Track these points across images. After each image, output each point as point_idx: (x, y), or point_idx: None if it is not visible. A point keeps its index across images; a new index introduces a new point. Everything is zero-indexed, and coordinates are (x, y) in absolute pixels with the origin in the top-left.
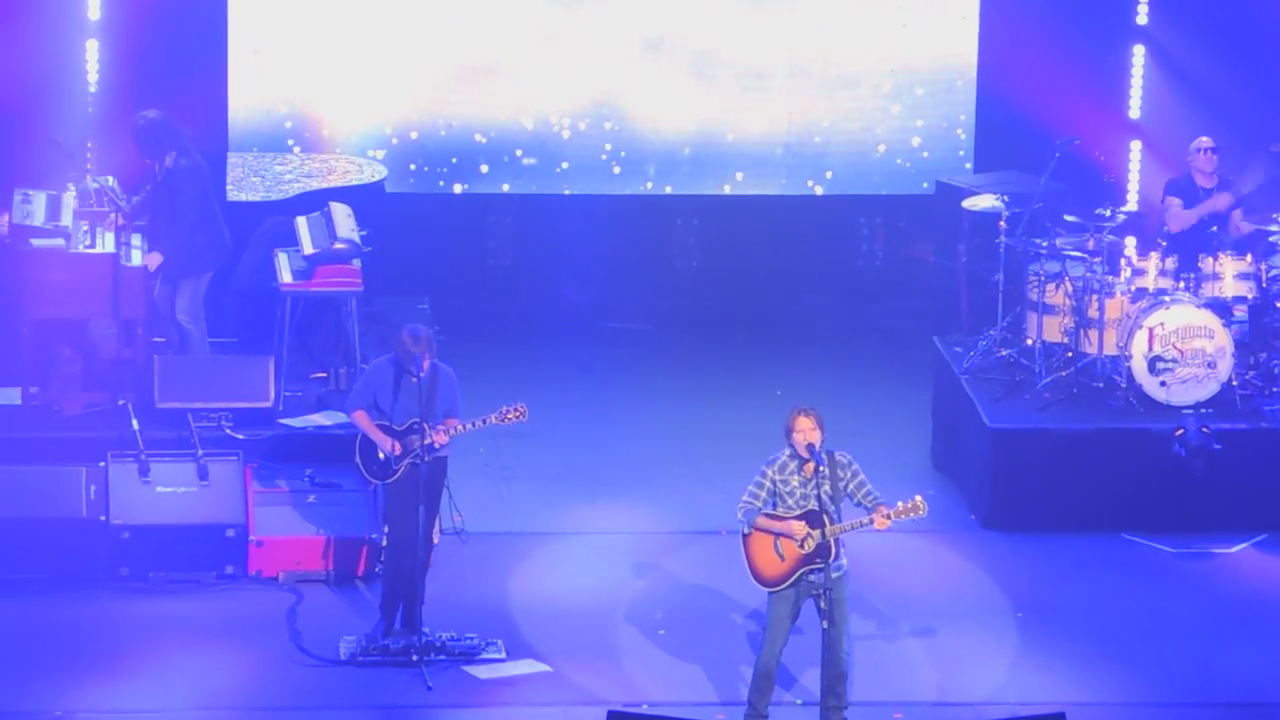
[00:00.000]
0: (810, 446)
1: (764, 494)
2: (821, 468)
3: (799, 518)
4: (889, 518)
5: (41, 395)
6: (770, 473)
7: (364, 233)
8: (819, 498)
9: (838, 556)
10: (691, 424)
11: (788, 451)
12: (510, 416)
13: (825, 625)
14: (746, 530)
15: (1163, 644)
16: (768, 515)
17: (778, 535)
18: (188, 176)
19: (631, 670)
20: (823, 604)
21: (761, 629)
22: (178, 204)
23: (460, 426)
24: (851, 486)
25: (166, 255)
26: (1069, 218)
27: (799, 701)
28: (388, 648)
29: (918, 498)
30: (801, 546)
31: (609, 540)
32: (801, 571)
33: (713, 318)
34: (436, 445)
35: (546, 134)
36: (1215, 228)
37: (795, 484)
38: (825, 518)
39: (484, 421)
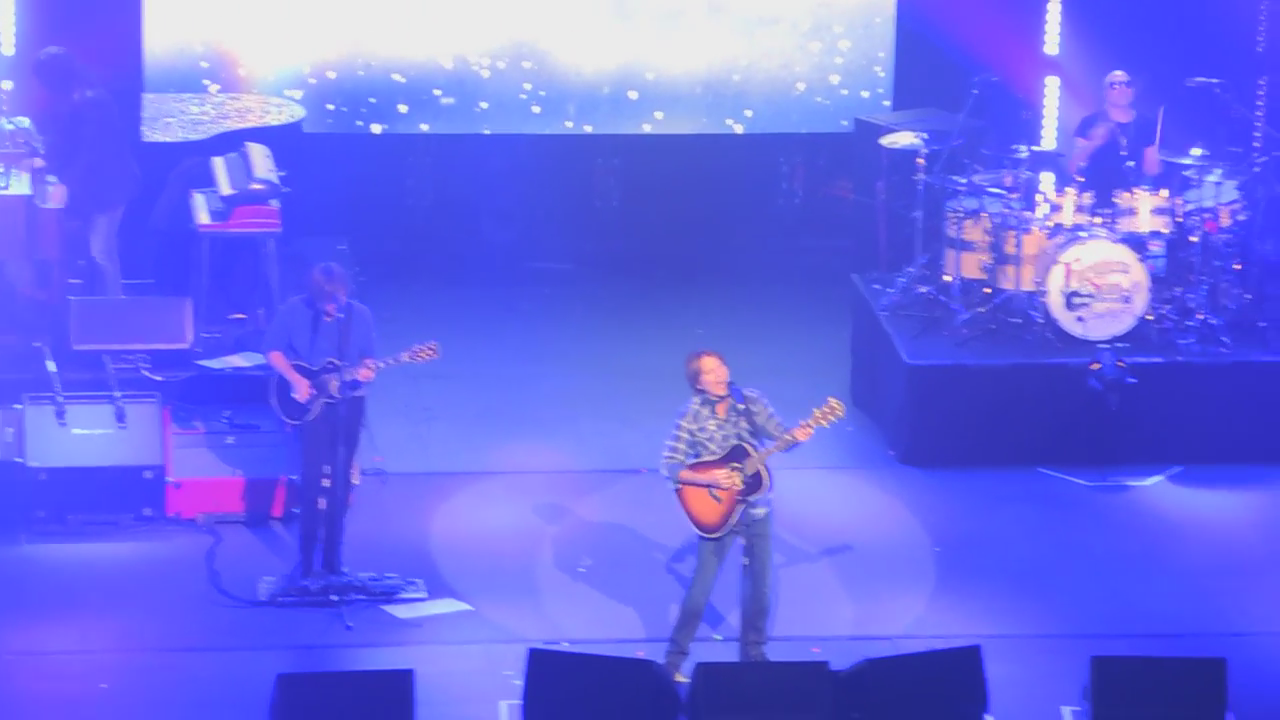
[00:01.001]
0: (730, 384)
1: (683, 446)
2: (739, 405)
3: (722, 460)
4: (809, 426)
5: None
6: (685, 424)
7: (282, 173)
8: (739, 436)
9: (771, 485)
10: (612, 363)
11: (697, 399)
12: (423, 354)
13: (746, 562)
14: (673, 486)
15: (1078, 577)
16: (691, 466)
17: (706, 486)
18: (92, 111)
19: (552, 608)
20: (744, 540)
21: (680, 566)
22: (81, 139)
23: (380, 364)
24: (762, 419)
25: (73, 191)
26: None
27: (718, 637)
28: (307, 588)
29: (832, 400)
30: (731, 484)
31: (529, 479)
32: (740, 508)
33: (633, 257)
34: (363, 381)
35: (465, 74)
36: (1131, 163)
37: (712, 428)
38: (749, 448)
39: (395, 360)
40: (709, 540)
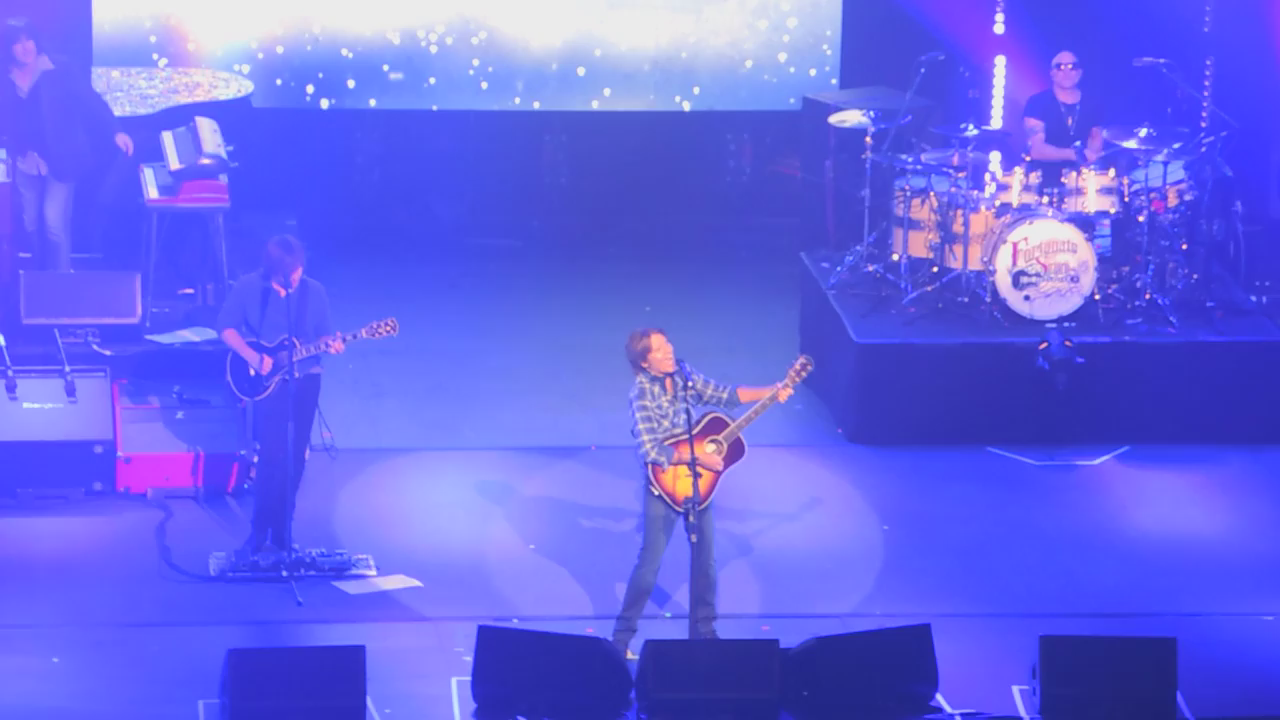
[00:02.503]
0: (679, 361)
1: (655, 424)
2: (687, 381)
3: (702, 432)
4: (789, 386)
5: None
6: (647, 404)
7: (230, 148)
8: (686, 411)
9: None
10: (561, 340)
11: (644, 377)
12: (382, 330)
13: (694, 538)
14: (666, 465)
15: (1027, 556)
16: (679, 444)
17: (705, 467)
18: (67, 77)
19: (502, 585)
20: (691, 518)
21: (630, 542)
22: (58, 104)
23: (348, 337)
24: (701, 388)
25: (46, 158)
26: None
27: (668, 614)
28: (257, 564)
29: (801, 357)
30: (719, 457)
31: (478, 456)
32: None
33: (581, 234)
34: (334, 353)
35: (414, 49)
36: (1079, 142)
37: (666, 404)
38: (725, 419)
39: (354, 336)
40: (655, 518)
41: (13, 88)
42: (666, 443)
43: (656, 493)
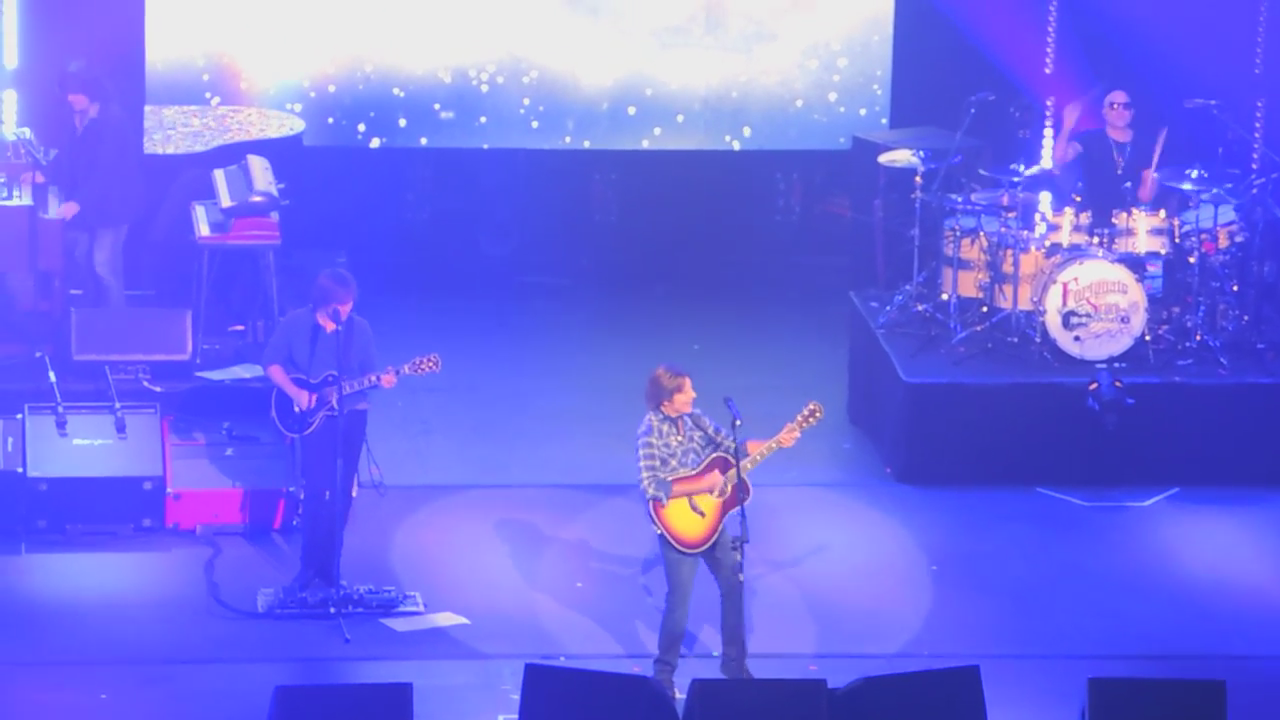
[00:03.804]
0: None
1: (658, 463)
2: (693, 424)
3: (701, 473)
4: (795, 431)
5: None
6: (654, 441)
7: (282, 186)
8: (695, 450)
9: (750, 494)
10: (608, 378)
11: (656, 416)
12: (425, 366)
13: (741, 578)
14: (664, 500)
15: (1076, 597)
16: (678, 479)
17: (693, 494)
18: (111, 127)
19: (549, 623)
20: (739, 556)
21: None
22: (99, 153)
23: (401, 371)
24: (710, 430)
25: (84, 205)
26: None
27: (715, 653)
28: (305, 600)
29: (811, 403)
30: (722, 494)
31: (526, 494)
32: (724, 521)
33: (630, 272)
34: (385, 387)
35: (465, 88)
36: (1129, 184)
37: (675, 444)
38: (731, 459)
39: (398, 372)
40: (687, 557)
41: (74, 129)
42: (669, 479)
43: (658, 531)
